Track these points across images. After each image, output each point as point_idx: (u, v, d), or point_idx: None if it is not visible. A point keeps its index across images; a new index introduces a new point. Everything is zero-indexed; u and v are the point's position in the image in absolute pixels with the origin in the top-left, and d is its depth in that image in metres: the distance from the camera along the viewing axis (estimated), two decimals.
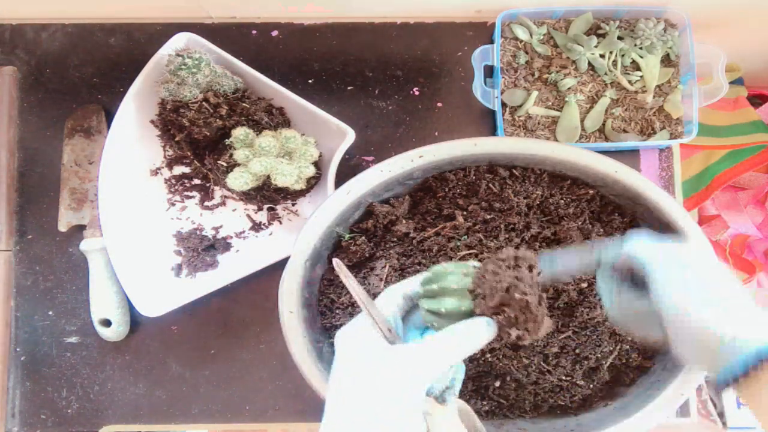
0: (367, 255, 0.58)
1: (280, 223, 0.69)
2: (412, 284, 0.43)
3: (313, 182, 0.67)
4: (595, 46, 0.68)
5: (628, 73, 0.69)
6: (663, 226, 0.55)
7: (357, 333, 0.40)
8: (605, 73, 0.69)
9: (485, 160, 0.58)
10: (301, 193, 0.68)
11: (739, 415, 0.95)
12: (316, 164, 0.65)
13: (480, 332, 0.38)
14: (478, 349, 0.39)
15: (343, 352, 0.40)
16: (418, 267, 0.57)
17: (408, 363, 0.37)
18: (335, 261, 0.42)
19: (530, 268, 0.39)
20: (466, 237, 0.57)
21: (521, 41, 0.70)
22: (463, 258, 0.56)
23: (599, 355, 0.57)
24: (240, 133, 0.61)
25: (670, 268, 0.40)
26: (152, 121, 0.67)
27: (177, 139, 0.65)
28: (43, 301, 0.70)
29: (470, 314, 0.39)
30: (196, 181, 0.70)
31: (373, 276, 0.57)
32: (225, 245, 0.68)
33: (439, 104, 0.72)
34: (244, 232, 0.69)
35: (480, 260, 0.55)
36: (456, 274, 0.40)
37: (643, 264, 0.41)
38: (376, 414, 0.36)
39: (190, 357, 0.69)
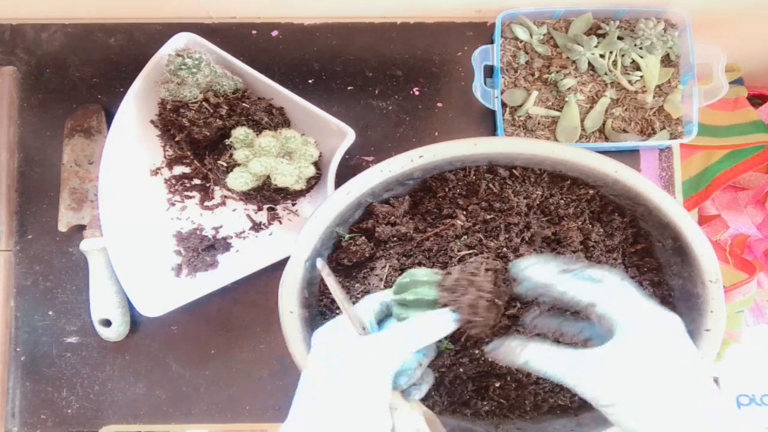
0: (367, 255, 0.58)
1: (280, 223, 0.69)
2: (389, 292, 0.45)
3: (313, 182, 0.67)
4: (595, 46, 0.68)
5: (628, 73, 0.69)
6: (663, 227, 0.55)
7: (330, 330, 0.42)
8: (605, 73, 0.69)
9: (485, 160, 0.58)
10: (301, 193, 0.68)
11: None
12: (316, 164, 0.65)
13: (441, 320, 0.40)
14: (439, 337, 0.41)
15: (316, 348, 0.42)
16: (418, 267, 0.57)
17: (372, 348, 0.39)
18: (318, 260, 0.45)
19: (495, 272, 0.42)
20: (466, 237, 0.57)
21: (521, 41, 0.70)
22: (462, 258, 0.56)
23: None
24: (240, 133, 0.61)
25: (598, 381, 0.37)
26: (152, 121, 0.67)
27: (177, 139, 0.65)
28: (43, 301, 0.70)
29: (435, 304, 0.42)
30: (196, 181, 0.70)
31: (373, 276, 0.57)
32: (225, 245, 0.68)
33: (439, 104, 0.72)
34: (244, 232, 0.69)
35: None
36: (427, 271, 0.43)
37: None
38: (341, 399, 0.37)
39: (190, 357, 0.69)
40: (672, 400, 0.35)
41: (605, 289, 0.39)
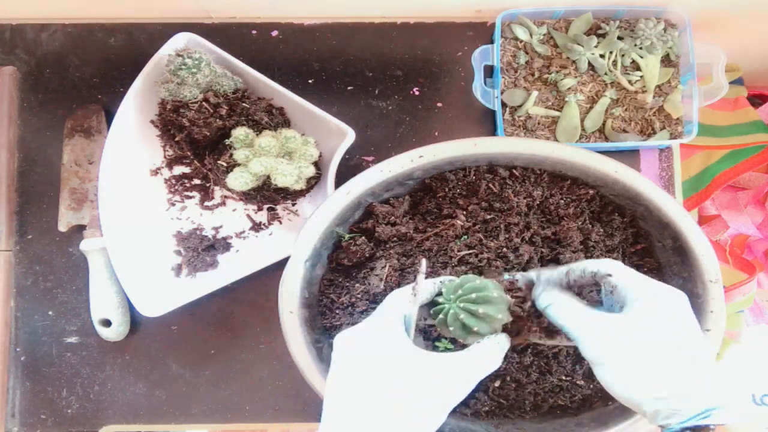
0: (367, 255, 0.58)
1: (280, 223, 0.69)
2: (428, 287, 0.45)
3: (313, 182, 0.67)
4: (595, 46, 0.68)
5: (628, 73, 0.69)
6: (663, 227, 0.55)
7: (374, 333, 0.40)
8: (605, 73, 0.69)
9: (485, 160, 0.58)
10: (301, 193, 0.68)
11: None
12: (316, 164, 0.65)
13: (506, 345, 0.42)
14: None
15: (358, 352, 0.39)
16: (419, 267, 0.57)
17: (451, 371, 0.38)
18: (424, 261, 0.45)
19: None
20: (466, 237, 0.57)
21: (521, 41, 0.70)
22: (462, 258, 0.56)
23: None
24: (240, 133, 0.61)
25: (600, 340, 0.38)
26: (152, 121, 0.67)
27: (177, 139, 0.65)
28: (43, 301, 0.70)
29: (496, 323, 0.43)
30: (196, 181, 0.70)
31: (373, 276, 0.57)
32: (225, 245, 0.68)
33: (439, 104, 0.72)
34: (244, 232, 0.69)
35: (480, 260, 0.55)
36: (499, 286, 0.44)
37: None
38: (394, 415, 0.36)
39: (190, 357, 0.69)
40: (668, 367, 0.36)
41: (618, 264, 0.42)
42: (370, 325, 0.41)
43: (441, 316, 0.43)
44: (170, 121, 0.64)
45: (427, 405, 0.37)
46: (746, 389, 1.03)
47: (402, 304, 0.42)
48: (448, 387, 0.38)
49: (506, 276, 0.50)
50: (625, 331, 0.37)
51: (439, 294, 0.44)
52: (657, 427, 0.36)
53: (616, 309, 0.41)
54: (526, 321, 0.46)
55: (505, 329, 0.44)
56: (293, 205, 0.70)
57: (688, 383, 0.35)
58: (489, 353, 0.41)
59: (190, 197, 0.69)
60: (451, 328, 0.42)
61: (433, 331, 0.53)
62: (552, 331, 0.46)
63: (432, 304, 0.45)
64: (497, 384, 0.56)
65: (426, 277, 0.45)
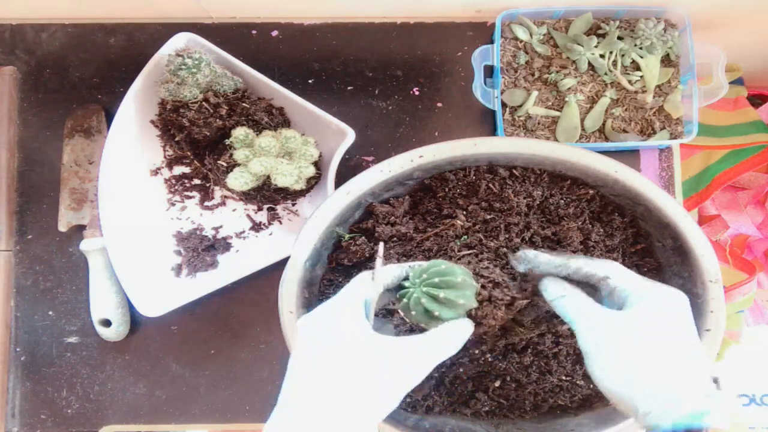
0: (367, 255, 0.58)
1: (280, 223, 0.69)
2: (394, 271, 0.44)
3: (313, 182, 0.67)
4: (595, 46, 0.68)
5: (628, 73, 0.69)
6: (663, 227, 0.55)
7: (332, 316, 0.39)
8: (605, 73, 0.69)
9: (485, 160, 0.58)
10: (301, 193, 0.68)
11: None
12: (316, 164, 0.65)
13: (468, 330, 0.42)
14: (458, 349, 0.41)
15: (316, 335, 0.39)
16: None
17: (406, 355, 0.38)
18: (381, 244, 0.45)
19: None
20: (466, 237, 0.57)
21: (521, 41, 0.70)
22: (462, 258, 0.56)
23: None
24: (240, 133, 0.61)
25: (599, 333, 0.38)
26: (152, 121, 0.67)
27: (177, 139, 0.65)
28: (43, 301, 0.70)
29: (459, 308, 0.42)
30: (196, 181, 0.70)
31: None
32: (225, 245, 0.68)
33: (439, 104, 0.72)
34: (244, 232, 0.69)
35: (480, 260, 0.55)
36: (467, 272, 0.44)
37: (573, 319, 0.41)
38: (351, 403, 0.35)
39: (190, 357, 0.69)
40: (664, 365, 0.36)
41: (616, 266, 0.42)
42: (328, 309, 0.40)
43: (404, 300, 0.42)
44: (170, 121, 0.64)
45: (381, 388, 0.36)
46: (736, 390, 1.03)
47: (364, 288, 0.41)
48: (402, 371, 0.37)
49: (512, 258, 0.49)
50: (624, 326, 0.38)
51: (407, 278, 0.44)
52: (645, 428, 0.36)
53: (615, 309, 0.41)
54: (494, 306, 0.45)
55: (470, 315, 0.44)
56: (293, 205, 0.70)
57: (683, 383, 0.35)
58: (446, 338, 0.40)
59: (190, 197, 0.69)
60: (413, 313, 0.42)
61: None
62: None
63: (400, 288, 0.44)
64: (497, 384, 0.56)
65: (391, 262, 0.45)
